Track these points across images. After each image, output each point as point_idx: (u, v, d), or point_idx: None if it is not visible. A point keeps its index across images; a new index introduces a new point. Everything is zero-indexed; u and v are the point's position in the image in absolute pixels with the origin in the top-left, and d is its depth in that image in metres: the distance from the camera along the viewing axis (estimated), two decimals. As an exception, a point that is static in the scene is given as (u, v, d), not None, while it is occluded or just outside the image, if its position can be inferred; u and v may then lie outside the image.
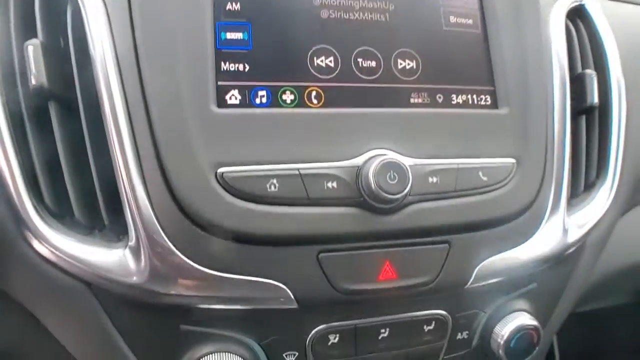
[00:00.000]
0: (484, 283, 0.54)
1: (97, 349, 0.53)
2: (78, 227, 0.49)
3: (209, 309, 0.49)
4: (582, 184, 0.63)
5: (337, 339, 0.52)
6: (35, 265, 0.49)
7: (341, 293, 0.49)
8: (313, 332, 0.52)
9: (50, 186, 0.49)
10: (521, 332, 0.56)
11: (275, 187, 0.47)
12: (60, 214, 0.49)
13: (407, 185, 0.48)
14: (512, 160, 0.54)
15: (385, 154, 0.49)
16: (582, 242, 0.61)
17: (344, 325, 0.52)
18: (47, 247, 0.48)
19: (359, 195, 0.48)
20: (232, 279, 0.47)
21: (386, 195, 0.47)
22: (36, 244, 0.48)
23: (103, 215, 0.49)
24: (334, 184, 0.48)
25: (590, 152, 0.64)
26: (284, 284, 0.48)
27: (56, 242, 0.48)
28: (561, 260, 0.59)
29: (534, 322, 0.57)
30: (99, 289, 0.49)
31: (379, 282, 0.50)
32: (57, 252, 0.48)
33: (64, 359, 0.55)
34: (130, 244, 0.47)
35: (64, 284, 0.49)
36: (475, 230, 0.53)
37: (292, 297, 0.48)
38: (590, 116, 0.65)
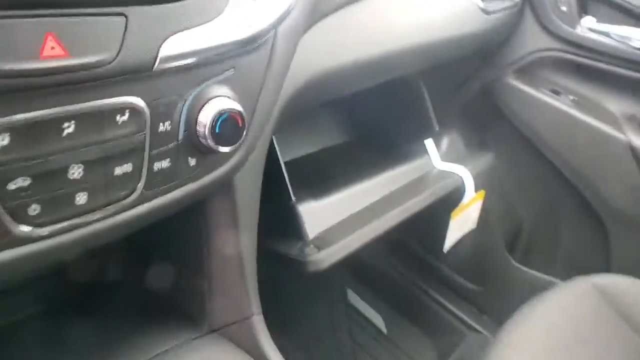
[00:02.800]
0: (174, 64, 0.50)
1: None
2: None
3: None
4: None
5: (6, 139, 0.44)
6: None
7: None
8: None
9: None
10: (224, 116, 0.55)
11: None
12: None
13: None
14: None
15: None
16: (273, 29, 0.61)
17: (13, 121, 0.44)
18: None
19: None
20: None
21: None
22: None
23: None
24: None
25: None
26: None
27: None
28: (255, 48, 0.59)
29: (237, 106, 0.56)
30: None
31: (44, 60, 0.43)
32: None
33: None
34: None
35: None
36: (154, 3, 0.48)
37: None
38: None
